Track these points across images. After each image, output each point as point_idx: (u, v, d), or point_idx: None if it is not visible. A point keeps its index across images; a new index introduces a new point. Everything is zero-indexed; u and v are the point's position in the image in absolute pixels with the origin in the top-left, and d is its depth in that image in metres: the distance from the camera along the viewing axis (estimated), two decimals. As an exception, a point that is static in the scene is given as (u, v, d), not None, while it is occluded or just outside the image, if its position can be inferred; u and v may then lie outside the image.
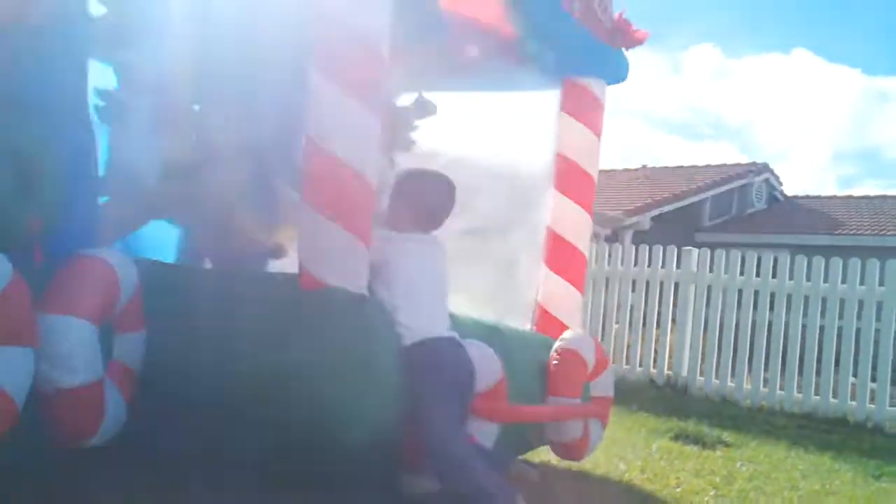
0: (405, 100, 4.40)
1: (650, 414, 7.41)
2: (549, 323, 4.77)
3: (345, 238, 3.16)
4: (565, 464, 4.85)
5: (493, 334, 4.00)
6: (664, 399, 8.31)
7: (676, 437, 6.35)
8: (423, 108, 4.37)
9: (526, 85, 4.75)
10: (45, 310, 2.77)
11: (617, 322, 9.57)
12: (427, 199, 3.52)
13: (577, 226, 4.88)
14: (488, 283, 4.94)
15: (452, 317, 3.67)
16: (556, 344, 4.45)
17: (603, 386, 4.65)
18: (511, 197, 4.95)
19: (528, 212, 4.97)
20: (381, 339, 3.22)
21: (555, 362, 4.38)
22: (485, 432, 3.58)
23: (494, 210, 4.87)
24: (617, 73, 4.92)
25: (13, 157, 2.77)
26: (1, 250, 2.63)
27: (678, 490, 4.53)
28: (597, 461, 5.03)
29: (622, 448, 5.64)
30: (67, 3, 3.10)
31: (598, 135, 4.90)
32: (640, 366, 9.35)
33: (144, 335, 3.27)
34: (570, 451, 4.55)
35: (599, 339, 9.35)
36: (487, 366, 3.55)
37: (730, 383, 8.82)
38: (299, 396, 3.04)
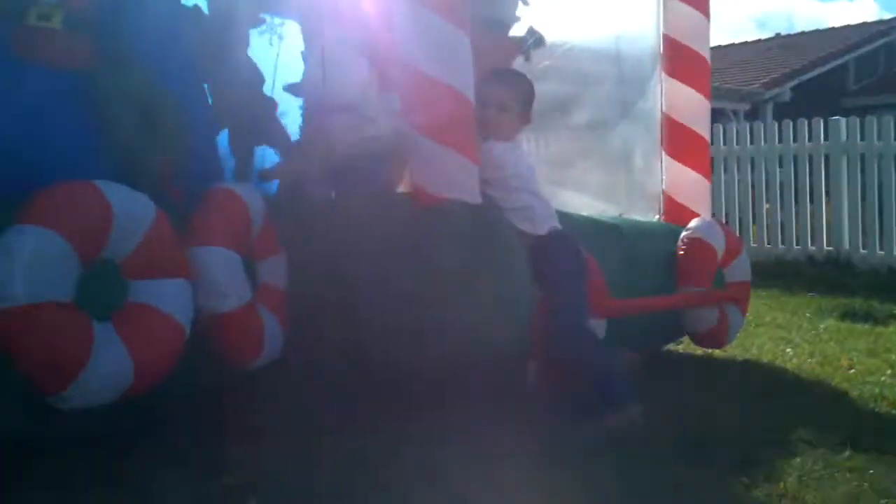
0: (518, 30, 4.32)
1: (813, 293, 7.11)
2: (676, 211, 4.70)
3: (452, 156, 3.19)
4: (730, 351, 4.73)
5: (611, 231, 4.02)
6: (826, 276, 7.97)
7: (844, 316, 6.08)
8: (535, 40, 4.29)
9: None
10: (190, 244, 2.80)
11: (767, 202, 9.20)
12: (529, 104, 3.49)
13: (694, 110, 4.71)
14: (610, 177, 4.88)
15: (570, 216, 3.76)
16: (682, 233, 4.42)
17: (738, 271, 4.57)
18: (621, 86, 4.82)
19: (640, 100, 4.84)
20: (505, 241, 3.26)
21: (681, 252, 4.36)
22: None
23: (606, 101, 4.76)
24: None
25: (137, 106, 2.77)
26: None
27: (851, 371, 4.32)
28: (762, 347, 4.87)
29: (788, 331, 5.44)
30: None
31: (706, 13, 4.71)
32: (798, 244, 8.99)
33: (284, 257, 3.28)
34: (708, 339, 4.52)
35: (751, 220, 9.10)
36: None
37: (896, 253, 8.39)
38: (434, 305, 3.08)
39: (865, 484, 2.62)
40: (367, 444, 2.80)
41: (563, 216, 3.59)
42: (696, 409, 3.40)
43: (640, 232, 4.35)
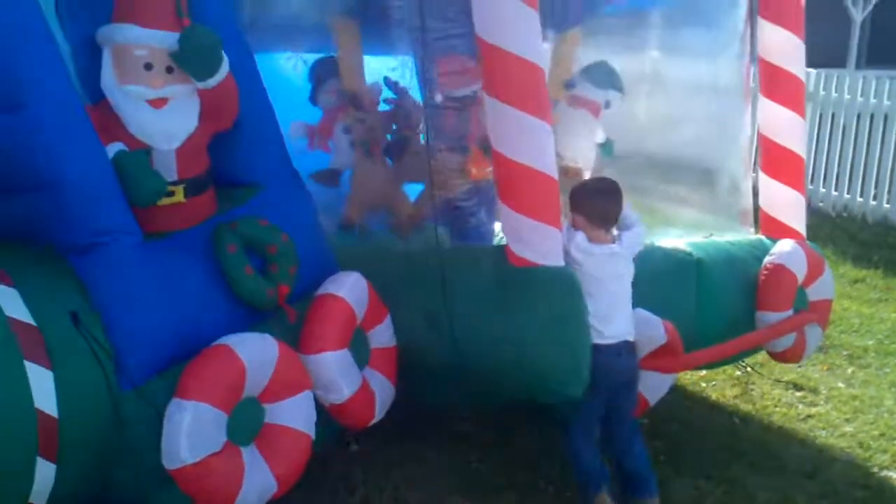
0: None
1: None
2: (773, 226, 4.91)
3: (539, 228, 3.69)
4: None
5: (687, 268, 4.31)
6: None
7: None
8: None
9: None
10: (306, 352, 3.48)
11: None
12: (594, 208, 3.81)
13: (789, 129, 4.90)
14: (704, 197, 5.03)
15: (652, 255, 4.11)
16: (766, 259, 4.58)
17: (821, 289, 4.74)
18: (709, 107, 4.96)
19: (730, 120, 5.02)
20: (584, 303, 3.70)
21: (763, 279, 4.53)
22: (659, 384, 4.06)
23: (696, 123, 4.93)
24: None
25: (250, 246, 3.41)
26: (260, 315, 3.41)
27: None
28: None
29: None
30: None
31: (800, 35, 4.85)
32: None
33: (388, 318, 3.91)
34: (785, 357, 4.80)
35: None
36: (650, 331, 3.90)
37: None
38: (519, 359, 3.67)
39: None
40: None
41: (644, 253, 3.92)
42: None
43: (720, 260, 4.48)
